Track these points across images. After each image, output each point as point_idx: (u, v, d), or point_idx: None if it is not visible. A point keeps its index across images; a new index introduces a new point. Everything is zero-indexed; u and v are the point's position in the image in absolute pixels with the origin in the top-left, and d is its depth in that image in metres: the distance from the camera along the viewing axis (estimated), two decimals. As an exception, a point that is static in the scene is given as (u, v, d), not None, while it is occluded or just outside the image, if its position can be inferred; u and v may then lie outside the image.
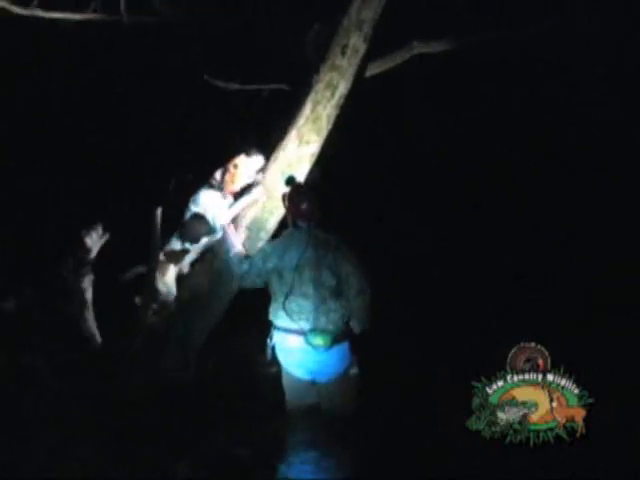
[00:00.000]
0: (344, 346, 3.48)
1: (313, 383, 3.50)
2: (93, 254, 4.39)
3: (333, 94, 3.94)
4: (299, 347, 3.44)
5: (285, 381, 3.55)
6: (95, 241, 4.39)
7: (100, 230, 4.41)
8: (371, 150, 5.68)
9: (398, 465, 3.00)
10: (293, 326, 3.45)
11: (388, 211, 5.57)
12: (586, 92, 5.48)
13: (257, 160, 4.00)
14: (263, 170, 3.98)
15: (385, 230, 5.36)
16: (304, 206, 3.57)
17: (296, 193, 3.62)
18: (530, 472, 2.80)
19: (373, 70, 4.43)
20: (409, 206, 5.54)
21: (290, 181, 3.67)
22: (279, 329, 3.49)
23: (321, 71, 3.96)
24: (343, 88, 3.96)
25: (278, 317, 3.48)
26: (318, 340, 3.40)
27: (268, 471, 3.08)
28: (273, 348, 3.52)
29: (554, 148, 5.58)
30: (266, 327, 3.52)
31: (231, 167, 4.00)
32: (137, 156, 5.69)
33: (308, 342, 3.41)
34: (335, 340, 3.42)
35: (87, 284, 4.35)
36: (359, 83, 4.07)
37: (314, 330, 3.42)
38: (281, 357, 3.51)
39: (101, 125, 5.78)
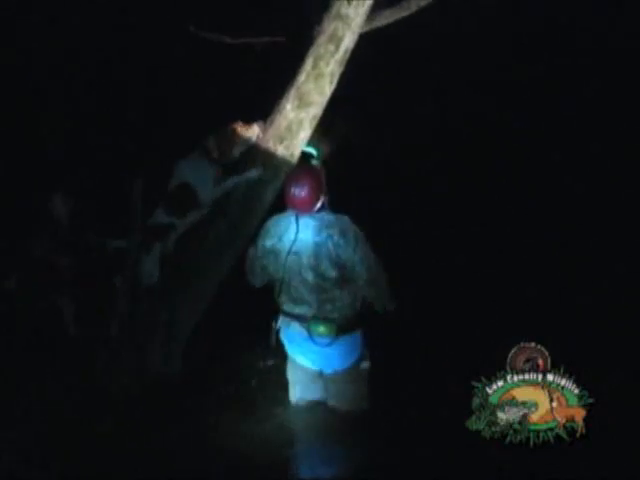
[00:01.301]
0: (353, 337, 3.23)
1: (320, 374, 3.27)
2: (64, 225, 3.93)
3: (337, 47, 3.47)
4: (302, 335, 3.18)
5: (290, 370, 3.33)
6: (61, 208, 3.93)
7: (63, 196, 3.94)
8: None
9: (397, 465, 2.99)
10: (295, 311, 3.18)
11: (384, 209, 5.48)
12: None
13: (252, 129, 3.61)
14: (258, 137, 3.59)
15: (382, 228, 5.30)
16: (292, 193, 3.17)
17: (291, 175, 3.25)
18: (530, 472, 2.80)
19: (382, 20, 3.77)
20: (407, 203, 5.52)
21: (307, 156, 3.28)
22: (283, 313, 3.22)
23: (324, 21, 3.51)
24: (349, 41, 3.48)
25: (281, 300, 3.22)
26: (321, 329, 3.13)
27: (268, 470, 3.06)
28: (278, 333, 3.26)
29: (554, 145, 5.57)
30: (269, 312, 3.32)
31: (221, 133, 3.63)
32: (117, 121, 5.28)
33: (310, 331, 3.14)
34: (341, 330, 3.15)
35: (65, 263, 3.94)
36: (365, 36, 3.55)
37: (317, 318, 3.14)
38: (286, 343, 3.27)
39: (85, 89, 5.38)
